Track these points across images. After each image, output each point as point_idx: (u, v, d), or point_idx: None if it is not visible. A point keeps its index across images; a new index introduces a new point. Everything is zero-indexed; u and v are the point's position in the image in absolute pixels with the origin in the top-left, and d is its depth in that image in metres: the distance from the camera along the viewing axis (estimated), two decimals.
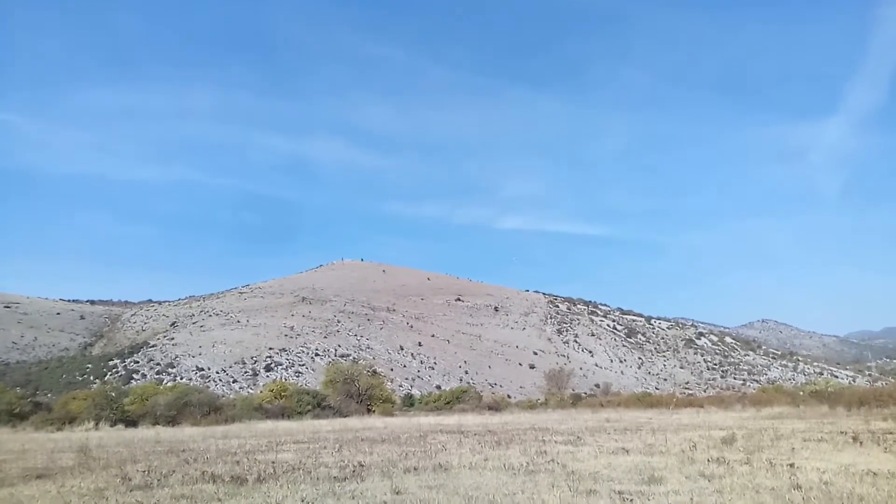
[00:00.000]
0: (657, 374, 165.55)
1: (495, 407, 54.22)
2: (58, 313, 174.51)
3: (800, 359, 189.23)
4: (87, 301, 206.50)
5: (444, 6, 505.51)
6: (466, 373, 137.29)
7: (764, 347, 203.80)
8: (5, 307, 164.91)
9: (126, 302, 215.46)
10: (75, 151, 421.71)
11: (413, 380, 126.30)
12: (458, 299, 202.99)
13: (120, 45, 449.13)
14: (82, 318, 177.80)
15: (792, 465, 12.41)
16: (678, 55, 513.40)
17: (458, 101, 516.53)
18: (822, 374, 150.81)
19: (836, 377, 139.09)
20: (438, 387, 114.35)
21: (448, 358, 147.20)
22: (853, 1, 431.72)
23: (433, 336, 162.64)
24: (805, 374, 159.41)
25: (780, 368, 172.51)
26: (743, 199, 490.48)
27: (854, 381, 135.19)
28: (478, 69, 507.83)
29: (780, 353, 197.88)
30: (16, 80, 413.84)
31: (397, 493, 10.24)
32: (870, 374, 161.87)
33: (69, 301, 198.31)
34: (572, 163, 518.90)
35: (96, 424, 35.59)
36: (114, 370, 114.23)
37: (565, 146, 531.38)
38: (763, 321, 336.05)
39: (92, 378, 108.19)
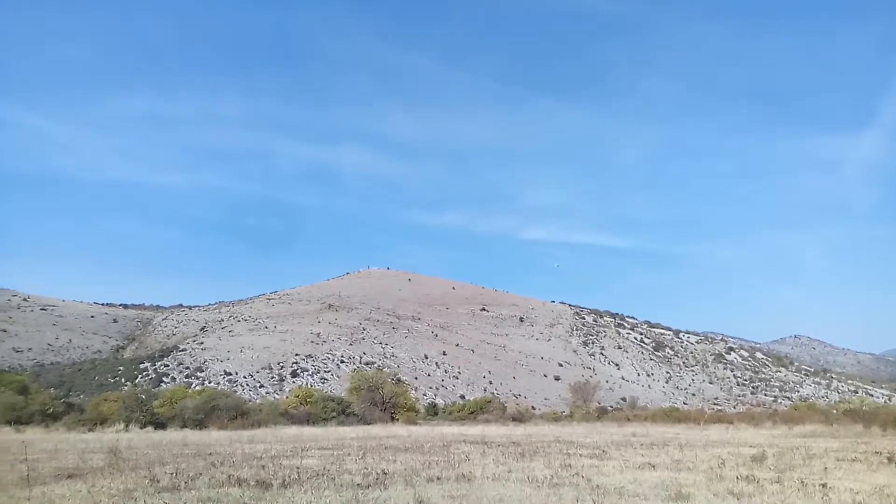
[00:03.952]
0: (685, 389, 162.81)
1: (519, 418, 53.85)
2: (91, 316, 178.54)
3: (833, 376, 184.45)
4: (120, 305, 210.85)
5: (468, 15, 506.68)
6: (490, 383, 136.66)
7: (796, 364, 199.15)
8: (41, 310, 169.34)
9: (157, 306, 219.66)
10: (104, 156, 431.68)
11: (437, 389, 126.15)
12: (483, 309, 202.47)
13: (149, 53, 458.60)
14: (115, 321, 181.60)
15: (824, 485, 12.10)
16: (704, 65, 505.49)
17: (482, 109, 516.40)
18: (857, 393, 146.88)
19: (871, 395, 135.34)
20: (462, 396, 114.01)
21: (472, 368, 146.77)
22: (886, 12, 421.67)
23: (458, 345, 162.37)
24: (839, 392, 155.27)
25: (812, 385, 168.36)
26: (773, 211, 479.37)
27: (890, 400, 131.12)
28: (501, 77, 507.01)
29: (812, 369, 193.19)
30: (47, 85, 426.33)
31: (420, 503, 10.24)
32: None
33: (103, 305, 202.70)
34: (596, 172, 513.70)
35: (126, 426, 36.26)
36: (144, 373, 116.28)
37: (589, 155, 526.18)
38: (795, 337, 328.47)
39: (123, 380, 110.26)
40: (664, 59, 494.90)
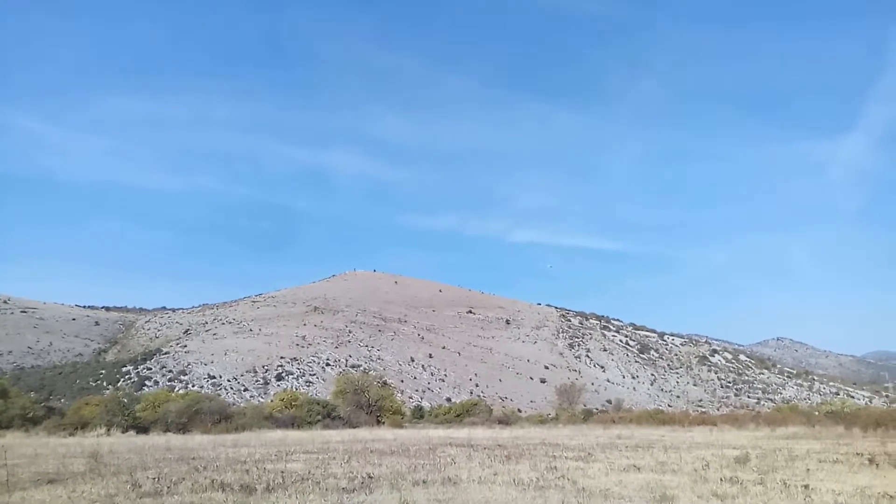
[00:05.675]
0: (670, 391, 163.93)
1: (505, 421, 53.89)
2: (73, 319, 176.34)
3: (815, 378, 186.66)
4: (102, 307, 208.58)
5: (460, 18, 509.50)
6: (477, 386, 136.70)
7: (779, 366, 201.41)
8: (22, 312, 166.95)
9: (140, 309, 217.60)
10: (94, 158, 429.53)
11: (423, 392, 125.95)
12: (470, 311, 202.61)
13: (140, 55, 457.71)
14: (97, 324, 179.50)
15: (807, 487, 12.21)
16: (696, 69, 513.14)
17: (473, 112, 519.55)
18: (839, 395, 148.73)
19: (853, 397, 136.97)
20: (449, 399, 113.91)
21: (459, 370, 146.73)
22: (872, 17, 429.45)
23: (444, 348, 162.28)
24: (821, 394, 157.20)
25: (795, 387, 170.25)
26: (760, 214, 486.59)
27: (871, 402, 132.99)
28: (493, 80, 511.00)
29: (795, 372, 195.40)
30: (37, 87, 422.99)
31: None
32: (887, 395, 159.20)
33: (85, 307, 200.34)
34: (587, 176, 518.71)
35: (108, 430, 35.83)
36: (126, 377, 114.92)
37: (580, 159, 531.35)
38: (778, 339, 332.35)
39: (105, 384, 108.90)
40: (657, 62, 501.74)
